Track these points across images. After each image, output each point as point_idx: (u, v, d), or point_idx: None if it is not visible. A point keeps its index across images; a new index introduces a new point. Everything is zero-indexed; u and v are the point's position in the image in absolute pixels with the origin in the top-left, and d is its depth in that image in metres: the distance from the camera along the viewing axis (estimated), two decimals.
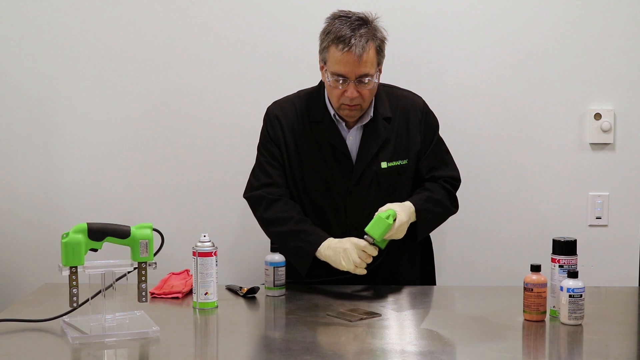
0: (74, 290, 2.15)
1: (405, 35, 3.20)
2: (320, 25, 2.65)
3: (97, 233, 2.16)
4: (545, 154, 3.30)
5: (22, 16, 3.27)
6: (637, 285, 3.29)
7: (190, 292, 2.57)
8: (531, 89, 3.27)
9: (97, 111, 3.31)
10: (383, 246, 2.57)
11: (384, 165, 2.73)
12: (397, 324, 2.35)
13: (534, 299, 2.30)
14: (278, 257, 2.60)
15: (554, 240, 2.35)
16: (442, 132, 2.86)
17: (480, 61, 3.26)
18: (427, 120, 2.80)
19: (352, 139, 2.73)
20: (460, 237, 3.32)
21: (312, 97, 2.77)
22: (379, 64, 2.64)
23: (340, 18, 2.61)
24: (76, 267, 2.15)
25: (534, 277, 2.31)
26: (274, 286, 2.59)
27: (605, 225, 3.31)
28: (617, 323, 2.37)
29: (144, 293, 2.23)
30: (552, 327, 2.28)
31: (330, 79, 2.62)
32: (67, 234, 2.15)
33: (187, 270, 2.70)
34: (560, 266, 2.33)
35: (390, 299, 2.58)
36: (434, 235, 2.92)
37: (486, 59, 3.26)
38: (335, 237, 2.69)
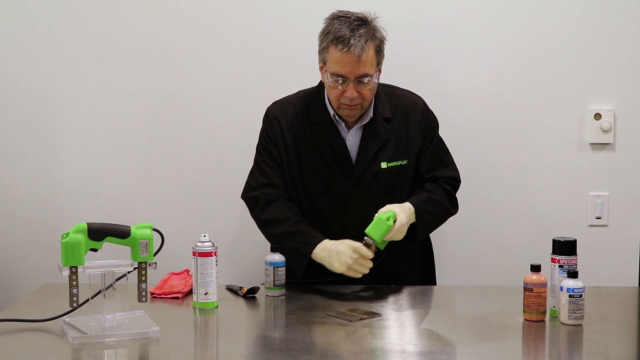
0: (74, 290, 2.15)
1: (405, 35, 3.20)
2: (320, 25, 2.65)
3: (97, 233, 2.16)
4: (545, 154, 3.30)
5: (22, 16, 3.27)
6: (637, 285, 3.29)
7: (190, 292, 2.57)
8: (531, 89, 3.27)
9: (97, 111, 3.31)
10: (382, 247, 2.57)
11: (383, 165, 2.73)
12: (397, 324, 2.35)
13: (534, 299, 2.30)
14: (278, 257, 2.60)
15: (554, 240, 2.35)
16: (442, 132, 2.86)
17: (480, 61, 3.26)
18: (427, 121, 2.80)
19: (352, 139, 2.73)
20: (460, 237, 3.32)
21: (312, 98, 2.77)
22: (379, 64, 2.64)
23: (339, 18, 2.61)
24: (76, 267, 2.15)
25: (534, 277, 2.31)
26: (274, 286, 2.59)
27: (605, 225, 3.31)
28: (617, 323, 2.37)
29: (144, 293, 2.23)
30: (552, 327, 2.28)
31: (329, 79, 2.62)
32: (67, 234, 2.15)
33: (187, 270, 2.70)
34: (560, 266, 2.33)
35: (390, 299, 2.58)
36: (434, 235, 2.92)
37: (486, 59, 3.26)
38: (335, 237, 2.69)
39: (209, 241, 2.45)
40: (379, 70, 2.66)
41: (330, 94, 2.67)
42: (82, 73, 3.29)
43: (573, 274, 2.27)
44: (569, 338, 2.22)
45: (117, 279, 2.25)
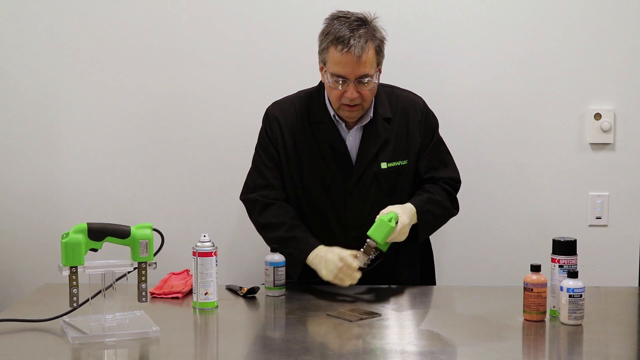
0: (74, 290, 2.15)
1: (405, 35, 3.20)
2: (320, 25, 2.65)
3: (97, 233, 2.16)
4: (545, 154, 3.30)
5: (22, 16, 3.27)
6: (637, 285, 3.28)
7: (190, 292, 2.57)
8: (531, 89, 3.27)
9: (97, 111, 3.31)
10: (385, 249, 2.56)
11: (383, 165, 2.73)
12: (397, 324, 2.35)
13: (534, 299, 2.30)
14: (278, 257, 2.60)
15: (554, 240, 2.35)
16: (442, 132, 2.86)
17: (480, 61, 3.26)
18: (427, 121, 2.80)
19: (352, 139, 2.73)
20: (460, 237, 3.32)
21: (312, 98, 2.77)
22: (379, 64, 2.64)
23: (339, 19, 2.61)
24: (76, 267, 2.15)
25: (534, 277, 2.31)
26: (274, 286, 2.59)
27: (605, 225, 3.31)
28: (617, 323, 2.37)
29: (144, 293, 2.23)
30: (552, 327, 2.28)
31: (330, 79, 2.62)
32: (67, 234, 2.15)
33: (187, 270, 2.70)
34: (560, 266, 2.32)
35: (390, 299, 2.58)
36: (434, 235, 2.91)
37: (486, 59, 3.26)
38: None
39: (209, 241, 2.45)
40: (379, 71, 2.66)
41: (330, 95, 2.67)
42: (82, 73, 3.29)
43: (573, 274, 2.27)
44: (569, 338, 2.22)
45: (117, 279, 2.25)
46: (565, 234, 2.47)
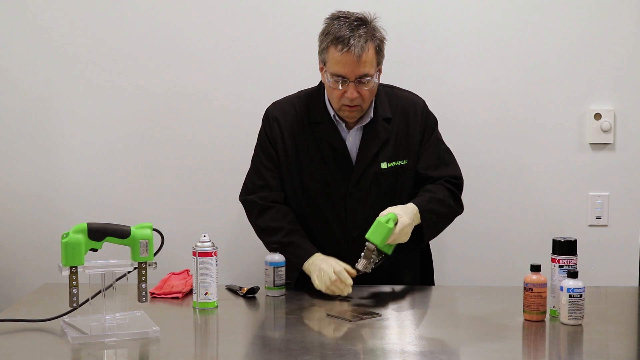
0: (74, 290, 2.15)
1: (405, 35, 3.20)
2: (320, 25, 2.65)
3: (97, 233, 2.16)
4: (545, 154, 3.30)
5: (22, 16, 3.27)
6: (637, 285, 3.29)
7: (190, 292, 2.57)
8: (531, 89, 3.27)
9: (97, 111, 3.31)
10: (389, 251, 2.54)
11: (383, 165, 2.72)
12: (397, 324, 2.35)
13: (534, 299, 2.30)
14: (278, 257, 2.60)
15: (554, 240, 2.35)
16: (442, 132, 2.86)
17: (480, 61, 3.26)
18: (426, 120, 2.79)
19: (352, 139, 2.73)
20: (460, 237, 3.32)
21: (312, 98, 2.77)
22: (379, 64, 2.64)
23: (339, 19, 2.60)
24: (76, 267, 2.15)
25: (534, 277, 2.31)
26: (274, 286, 2.59)
27: (605, 225, 3.31)
28: (617, 323, 2.37)
29: (144, 293, 2.23)
30: (552, 327, 2.28)
31: (330, 79, 2.62)
32: (67, 234, 2.15)
33: (187, 270, 2.70)
34: (560, 266, 2.32)
35: (390, 299, 2.58)
36: None
37: (486, 59, 3.26)
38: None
39: (209, 241, 2.45)
40: (379, 70, 2.66)
41: (330, 95, 2.67)
42: (82, 73, 3.29)
43: (573, 274, 2.27)
44: (569, 338, 2.22)
45: (117, 279, 2.25)
46: (565, 234, 2.47)
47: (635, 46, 3.23)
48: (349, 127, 2.73)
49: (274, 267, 2.58)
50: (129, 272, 2.25)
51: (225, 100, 3.29)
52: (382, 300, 2.55)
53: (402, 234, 2.54)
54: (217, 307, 2.45)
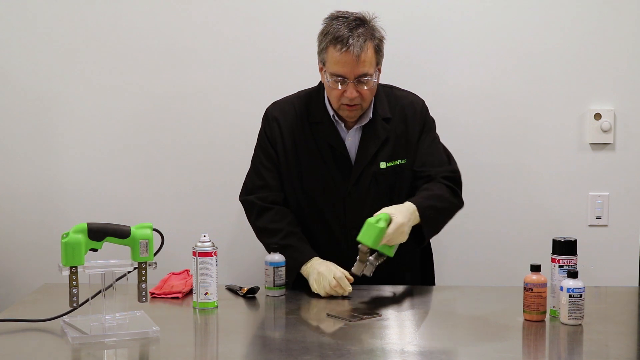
0: (74, 290, 2.15)
1: (405, 35, 3.20)
2: (320, 25, 2.65)
3: (97, 233, 2.16)
4: (545, 154, 3.30)
5: (22, 16, 3.27)
6: (637, 285, 3.29)
7: (190, 292, 2.57)
8: (531, 89, 3.27)
9: (97, 111, 3.31)
10: (390, 253, 2.51)
11: (382, 165, 2.72)
12: (397, 324, 2.35)
13: (534, 299, 2.30)
14: (278, 257, 2.60)
15: (554, 240, 2.35)
16: (442, 132, 2.86)
17: (480, 61, 3.27)
18: (425, 120, 2.79)
19: (351, 139, 2.73)
20: (460, 237, 3.32)
21: (312, 98, 2.77)
22: (378, 63, 2.64)
23: (338, 19, 2.61)
24: (76, 267, 2.15)
25: (534, 277, 2.31)
26: (274, 286, 2.59)
27: (605, 225, 3.31)
28: (617, 323, 2.37)
29: (144, 293, 2.23)
30: (552, 327, 2.28)
31: (329, 79, 2.62)
32: (67, 234, 2.15)
33: (187, 270, 2.70)
34: (560, 266, 2.32)
35: (390, 299, 2.58)
36: None
37: (486, 59, 3.27)
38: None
39: (209, 241, 2.45)
40: (379, 70, 2.66)
41: (330, 95, 2.67)
42: (82, 73, 3.29)
43: (573, 274, 2.27)
44: (569, 338, 2.22)
45: (117, 279, 2.25)
46: (565, 234, 2.47)
47: (635, 46, 3.23)
48: (348, 127, 2.73)
49: (273, 267, 2.58)
50: (129, 272, 2.25)
51: (225, 100, 3.29)
52: (382, 300, 2.55)
53: (398, 234, 2.50)
54: (217, 307, 2.45)
